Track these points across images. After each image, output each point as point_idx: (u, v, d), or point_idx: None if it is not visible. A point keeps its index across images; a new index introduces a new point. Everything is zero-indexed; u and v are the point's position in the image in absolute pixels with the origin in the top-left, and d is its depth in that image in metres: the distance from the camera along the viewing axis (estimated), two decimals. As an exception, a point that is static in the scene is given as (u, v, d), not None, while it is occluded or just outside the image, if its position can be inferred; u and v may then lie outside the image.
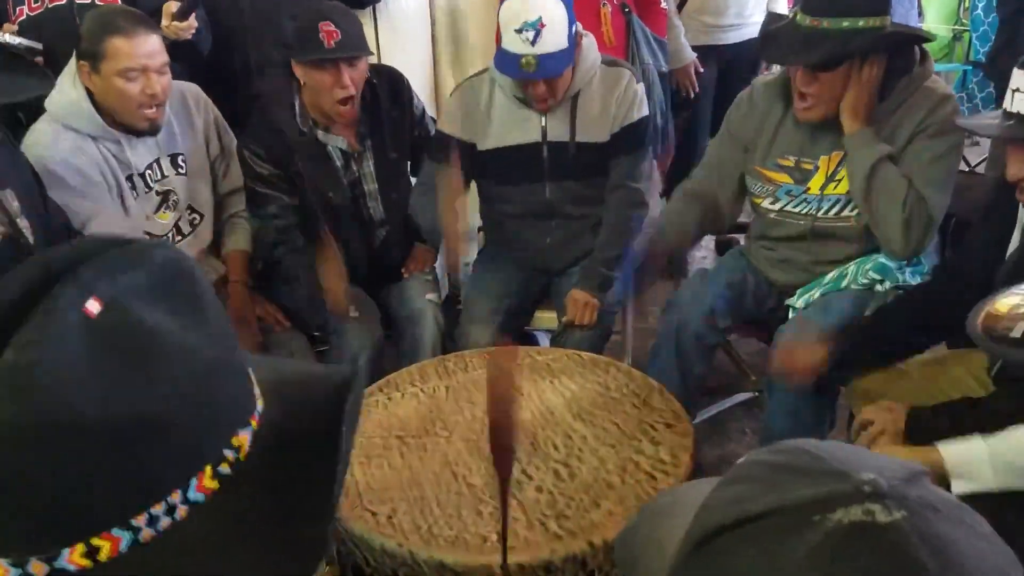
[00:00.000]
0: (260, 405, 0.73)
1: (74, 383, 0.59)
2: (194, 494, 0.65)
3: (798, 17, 2.08)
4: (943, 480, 1.54)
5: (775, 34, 2.15)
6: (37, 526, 0.61)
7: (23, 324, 0.59)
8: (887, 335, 1.99)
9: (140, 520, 0.63)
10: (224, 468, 0.67)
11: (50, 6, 2.50)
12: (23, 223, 1.85)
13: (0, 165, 1.89)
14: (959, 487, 1.54)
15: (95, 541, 0.62)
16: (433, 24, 3.31)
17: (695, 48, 3.42)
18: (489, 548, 1.50)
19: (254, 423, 0.71)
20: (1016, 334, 1.30)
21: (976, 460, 1.55)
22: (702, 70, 3.43)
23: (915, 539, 0.54)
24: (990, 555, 0.57)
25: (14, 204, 1.85)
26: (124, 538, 0.62)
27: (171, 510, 0.64)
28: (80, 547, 0.61)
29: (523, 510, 1.57)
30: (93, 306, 0.61)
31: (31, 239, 1.84)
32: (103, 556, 0.62)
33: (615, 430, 1.80)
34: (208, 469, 0.66)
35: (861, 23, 2.00)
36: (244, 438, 0.69)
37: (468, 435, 1.82)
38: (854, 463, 0.59)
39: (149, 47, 2.18)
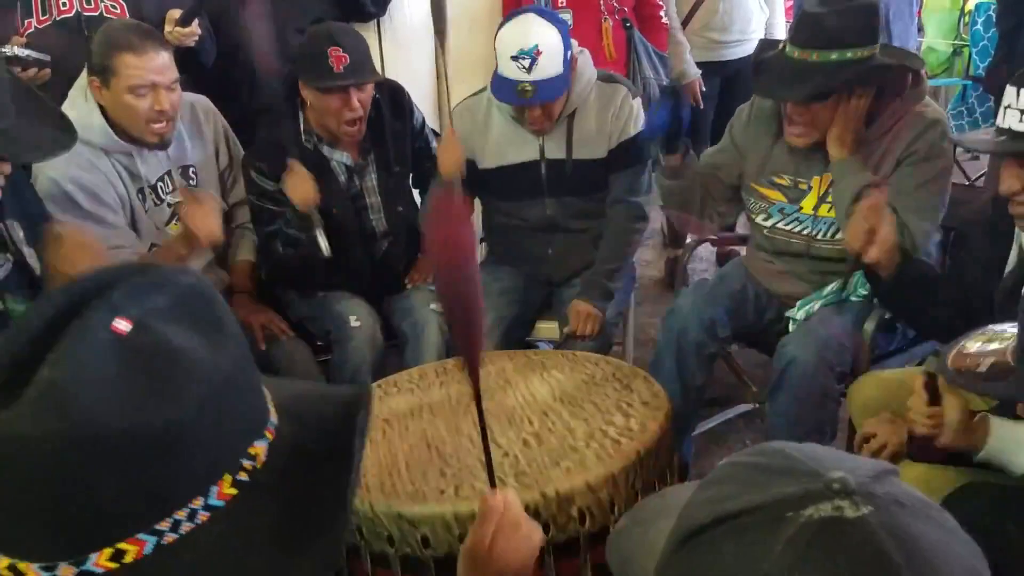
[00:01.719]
0: (275, 419, 0.76)
1: (105, 397, 0.63)
2: (214, 500, 0.68)
3: (787, 49, 2.09)
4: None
5: (766, 65, 2.17)
6: (68, 533, 0.64)
7: (57, 343, 0.63)
8: (936, 290, 1.94)
9: (164, 525, 0.66)
10: (242, 476, 0.70)
11: (58, 18, 2.51)
12: (28, 251, 1.87)
13: (5, 195, 1.91)
14: (988, 453, 1.53)
15: (121, 545, 0.65)
16: (437, 38, 3.33)
17: (699, 64, 3.47)
18: (445, 499, 1.54)
19: (269, 435, 0.74)
20: (983, 369, 1.34)
21: (1020, 439, 1.53)
22: (704, 89, 3.47)
23: (882, 532, 0.58)
24: (954, 545, 0.60)
25: (19, 233, 1.87)
26: (149, 542, 0.65)
27: (192, 515, 0.67)
28: (107, 551, 0.65)
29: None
30: (122, 325, 0.65)
31: (37, 267, 1.85)
32: (128, 559, 0.65)
33: (592, 408, 1.83)
34: (228, 477, 0.69)
35: (849, 55, 2.01)
36: (261, 448, 0.73)
37: (450, 418, 1.86)
38: (826, 463, 0.63)
39: (159, 63, 2.20)
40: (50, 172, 2.19)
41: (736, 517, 0.62)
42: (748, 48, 3.50)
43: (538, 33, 2.28)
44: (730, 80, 3.58)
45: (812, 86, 2.03)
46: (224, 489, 0.69)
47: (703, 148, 3.55)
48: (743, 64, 3.52)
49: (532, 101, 2.32)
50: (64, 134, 1.79)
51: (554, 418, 1.80)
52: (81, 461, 0.62)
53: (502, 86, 2.34)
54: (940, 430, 1.55)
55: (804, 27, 2.06)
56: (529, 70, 2.27)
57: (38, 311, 0.67)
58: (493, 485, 1.28)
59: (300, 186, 2.36)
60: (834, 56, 2.01)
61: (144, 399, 0.64)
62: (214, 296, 0.74)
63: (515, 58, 2.28)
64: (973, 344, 1.41)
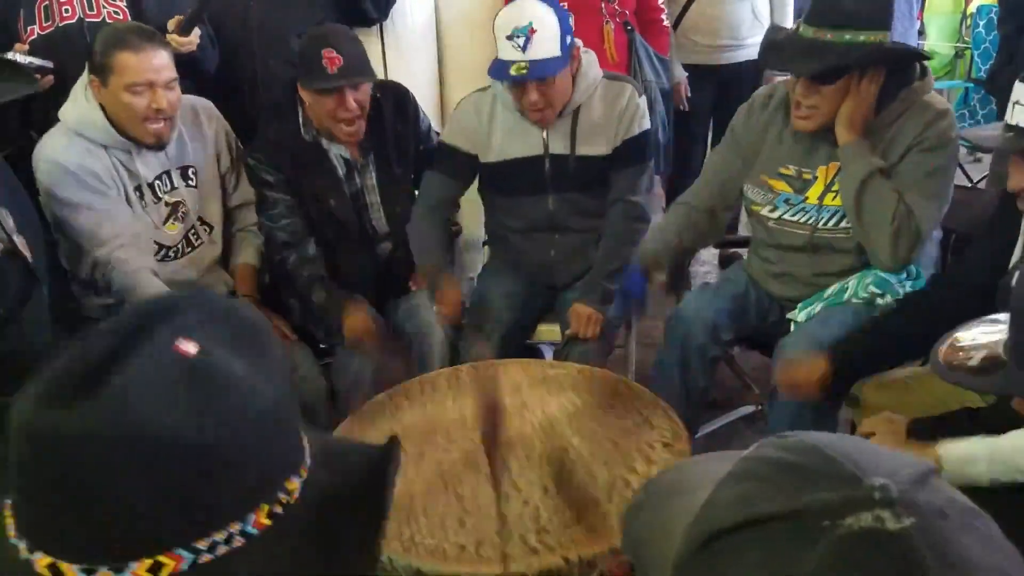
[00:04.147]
0: (309, 459, 0.79)
1: (163, 409, 0.66)
2: (250, 528, 0.70)
3: (801, 28, 2.10)
4: None
5: (778, 43, 2.18)
6: (111, 537, 0.66)
7: (127, 357, 0.67)
8: (885, 342, 2.01)
9: (203, 544, 0.68)
10: (277, 508, 0.73)
11: (61, 25, 2.52)
12: (19, 239, 1.88)
13: None
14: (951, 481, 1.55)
15: (161, 558, 0.67)
16: (439, 42, 3.35)
17: (690, 67, 3.49)
18: (466, 558, 1.52)
19: (303, 473, 0.77)
20: (974, 363, 1.34)
21: (973, 455, 1.58)
22: (689, 94, 3.48)
23: (923, 547, 0.54)
24: (997, 560, 0.57)
25: (9, 221, 1.88)
26: (186, 559, 0.67)
27: (229, 539, 0.69)
28: (147, 562, 0.66)
29: (506, 523, 1.58)
30: (188, 347, 0.69)
31: (28, 255, 1.87)
32: (164, 573, 0.67)
33: (611, 448, 1.80)
34: (264, 507, 0.72)
35: (862, 37, 2.02)
36: (296, 484, 0.75)
37: (466, 446, 1.83)
38: (865, 465, 0.58)
39: (156, 62, 2.22)
40: (50, 157, 2.24)
41: (765, 522, 0.58)
42: (741, 55, 3.53)
43: (532, 12, 2.28)
44: (724, 89, 3.59)
45: (825, 62, 2.04)
46: (260, 518, 0.71)
47: (696, 159, 3.62)
48: (737, 71, 3.54)
49: (526, 78, 2.31)
50: (25, 80, 1.81)
51: (574, 459, 1.76)
52: (135, 466, 0.65)
53: (499, 68, 2.34)
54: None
55: (820, 6, 2.07)
56: (524, 49, 2.27)
57: (112, 325, 0.71)
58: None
59: (358, 326, 2.41)
60: (847, 36, 2.02)
61: (199, 417, 0.67)
62: (269, 331, 0.80)
63: (510, 37, 2.28)
64: (967, 335, 1.40)
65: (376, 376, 2.39)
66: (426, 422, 1.94)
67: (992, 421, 1.64)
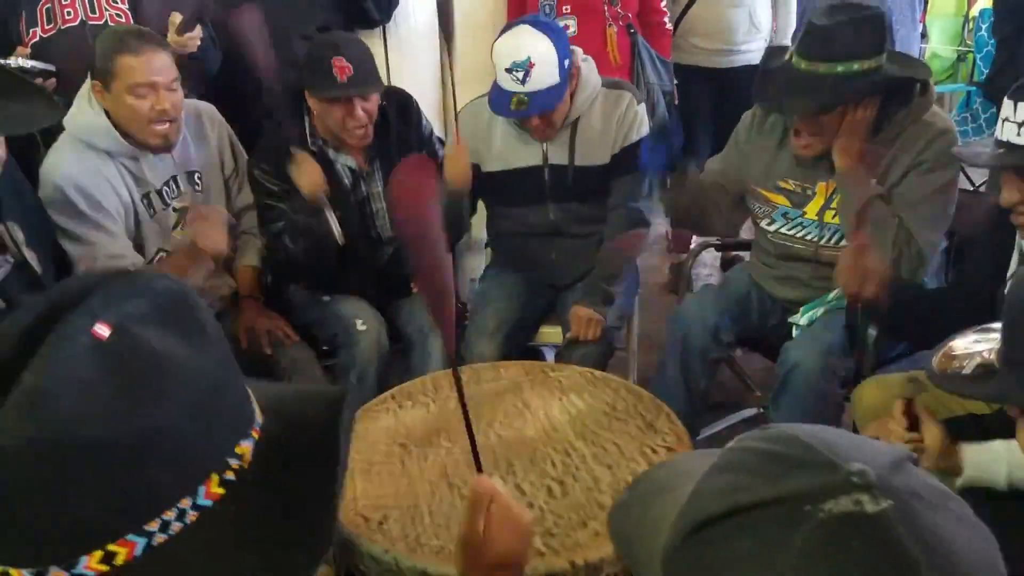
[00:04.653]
0: (260, 419, 0.77)
1: (84, 404, 0.63)
2: (202, 500, 0.69)
3: (793, 60, 2.09)
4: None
5: (772, 75, 2.17)
6: (55, 538, 0.64)
7: (36, 350, 0.63)
8: (921, 305, 1.98)
9: (153, 526, 0.66)
10: (229, 475, 0.71)
11: (62, 28, 2.53)
12: (29, 253, 1.87)
13: (5, 196, 1.91)
14: (968, 479, 1.55)
15: (111, 547, 0.65)
16: (442, 45, 3.35)
17: (689, 68, 3.50)
18: None
19: (255, 434, 0.75)
20: (967, 371, 1.34)
21: (996, 456, 1.56)
22: (677, 102, 3.48)
23: (901, 527, 0.57)
24: (971, 537, 0.60)
25: (19, 235, 1.88)
26: (139, 543, 0.66)
27: (182, 515, 0.68)
28: (98, 554, 0.65)
29: None
30: (102, 330, 0.65)
31: (38, 268, 1.86)
32: (119, 561, 0.65)
33: (615, 451, 1.80)
34: (215, 477, 0.70)
35: (856, 67, 2.00)
36: (247, 448, 0.73)
37: (469, 446, 1.83)
38: (843, 452, 0.61)
39: (158, 63, 2.21)
40: (54, 177, 2.20)
41: (750, 510, 0.60)
42: (736, 60, 3.53)
43: (530, 45, 2.29)
44: (723, 90, 3.59)
45: (817, 99, 2.03)
46: (212, 488, 0.69)
47: (697, 160, 3.62)
48: (733, 77, 3.53)
49: (527, 113, 2.33)
50: (49, 109, 1.78)
51: (577, 461, 1.77)
52: (63, 469, 0.62)
53: (499, 98, 2.35)
54: (919, 456, 1.55)
55: (811, 39, 2.05)
56: (523, 82, 2.28)
57: (16, 318, 0.66)
58: (480, 471, 1.28)
59: (308, 173, 2.37)
60: (840, 68, 2.00)
61: (124, 404, 0.64)
62: (194, 299, 0.75)
63: (509, 70, 2.29)
64: (962, 343, 1.41)
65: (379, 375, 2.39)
66: (429, 423, 1.94)
67: (996, 427, 1.64)
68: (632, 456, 1.78)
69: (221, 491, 0.70)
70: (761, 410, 2.80)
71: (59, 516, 0.64)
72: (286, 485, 0.74)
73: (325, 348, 2.59)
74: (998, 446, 1.59)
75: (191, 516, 0.68)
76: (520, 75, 2.28)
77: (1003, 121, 1.66)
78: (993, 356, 1.32)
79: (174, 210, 2.41)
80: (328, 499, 0.75)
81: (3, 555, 0.65)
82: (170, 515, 0.67)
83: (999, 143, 1.68)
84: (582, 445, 1.82)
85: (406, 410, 2.00)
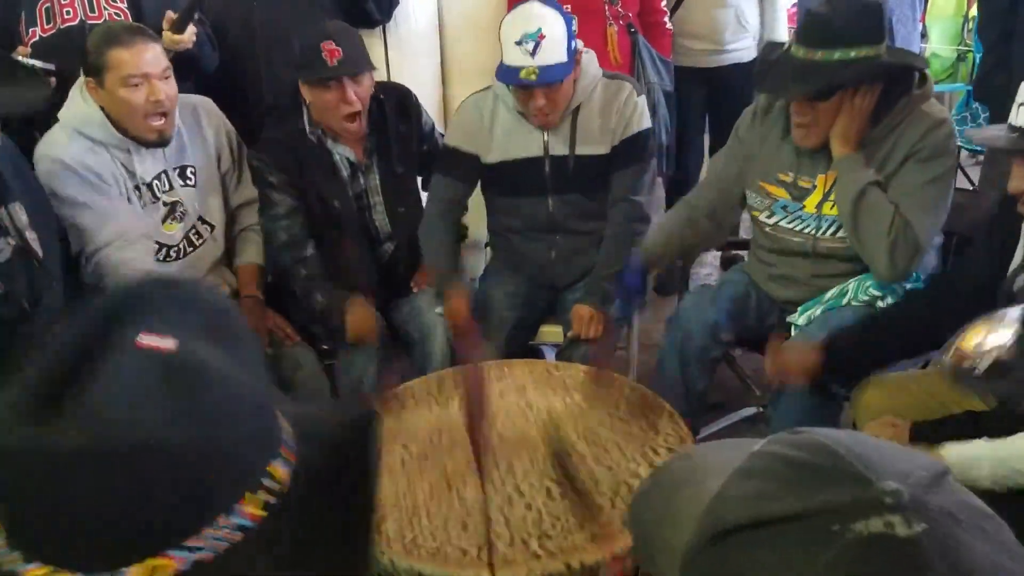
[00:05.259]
0: (291, 439, 0.77)
1: (144, 414, 0.64)
2: (239, 519, 0.69)
3: (792, 48, 2.10)
4: None
5: (771, 65, 2.18)
6: (104, 545, 0.65)
7: (95, 359, 0.65)
8: (881, 338, 2.02)
9: (197, 542, 0.67)
10: (265, 496, 0.71)
11: (62, 27, 2.52)
12: (31, 235, 1.87)
13: (8, 178, 1.92)
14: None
15: (154, 561, 0.66)
16: (442, 43, 3.35)
17: (680, 68, 3.49)
18: (468, 561, 1.51)
19: (290, 456, 0.75)
20: (980, 371, 1.34)
21: (977, 457, 1.58)
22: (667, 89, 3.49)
23: (933, 554, 0.53)
24: (1007, 564, 0.56)
25: (22, 217, 1.88)
26: (183, 558, 0.66)
27: (225, 533, 0.68)
28: (148, 563, 0.66)
29: (509, 527, 1.58)
30: (164, 343, 0.67)
31: (40, 251, 1.87)
32: (163, 575, 0.66)
33: (616, 452, 1.80)
34: (248, 496, 0.70)
35: (854, 53, 2.01)
36: (280, 469, 0.74)
37: (470, 448, 1.83)
38: (876, 466, 0.57)
39: (149, 54, 2.23)
40: (50, 154, 2.24)
41: (777, 523, 0.57)
42: (726, 59, 3.56)
43: (542, 17, 2.28)
44: (715, 89, 3.62)
45: (815, 84, 2.04)
46: (249, 508, 0.70)
47: (689, 158, 3.63)
48: (724, 76, 3.56)
49: (536, 83, 2.30)
50: (38, 88, 1.80)
51: (577, 462, 1.77)
52: (117, 477, 0.64)
53: (507, 72, 2.34)
54: None
55: (810, 26, 2.07)
56: (533, 54, 2.27)
57: (73, 327, 0.68)
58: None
59: (359, 320, 2.41)
60: (838, 54, 2.01)
61: (180, 417, 0.66)
62: (236, 312, 0.77)
63: (519, 43, 2.27)
64: (972, 339, 1.41)
65: (379, 375, 2.40)
66: (430, 423, 1.94)
67: (994, 425, 1.65)
68: (633, 457, 1.78)
69: (261, 512, 0.70)
70: (761, 410, 2.81)
71: (107, 524, 0.65)
72: (322, 512, 0.75)
73: (325, 348, 2.59)
74: (981, 450, 1.60)
75: (235, 536, 0.69)
76: (530, 46, 2.26)
77: (1018, 106, 1.67)
78: (1006, 353, 1.32)
79: (164, 204, 2.42)
80: (366, 527, 0.76)
81: (53, 557, 0.66)
82: (211, 532, 0.68)
83: (1012, 128, 1.69)
84: (583, 446, 1.82)
85: (409, 410, 2.00)
